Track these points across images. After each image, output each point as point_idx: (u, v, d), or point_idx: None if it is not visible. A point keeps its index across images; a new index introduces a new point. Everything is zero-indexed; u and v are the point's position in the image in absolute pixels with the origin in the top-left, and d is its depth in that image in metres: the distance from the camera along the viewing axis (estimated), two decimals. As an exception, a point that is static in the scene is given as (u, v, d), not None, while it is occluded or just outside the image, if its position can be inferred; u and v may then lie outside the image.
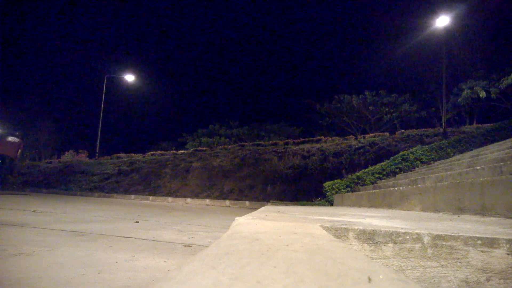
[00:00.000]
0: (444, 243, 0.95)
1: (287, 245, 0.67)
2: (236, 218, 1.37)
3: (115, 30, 56.30)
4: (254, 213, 2.09)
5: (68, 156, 27.68)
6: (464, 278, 0.92)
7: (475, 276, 0.93)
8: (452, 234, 0.95)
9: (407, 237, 0.97)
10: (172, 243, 2.59)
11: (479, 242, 0.95)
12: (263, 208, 3.37)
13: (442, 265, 0.94)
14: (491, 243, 0.94)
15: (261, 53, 58.93)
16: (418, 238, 0.97)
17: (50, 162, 23.81)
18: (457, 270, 0.93)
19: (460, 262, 0.94)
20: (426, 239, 0.96)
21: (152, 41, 58.67)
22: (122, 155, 23.65)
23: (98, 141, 24.51)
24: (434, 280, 0.92)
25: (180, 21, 58.08)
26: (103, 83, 25.57)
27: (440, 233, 0.97)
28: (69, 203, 8.07)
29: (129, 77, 26.84)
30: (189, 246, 2.52)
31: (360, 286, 0.46)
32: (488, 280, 0.92)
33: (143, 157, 22.74)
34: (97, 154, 24.37)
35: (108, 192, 17.50)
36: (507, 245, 0.94)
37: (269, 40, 59.12)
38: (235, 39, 57.17)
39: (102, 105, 25.09)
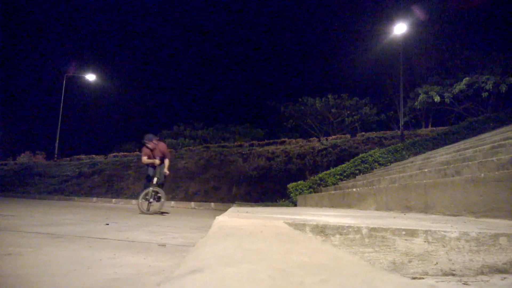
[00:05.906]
0: (377, 234, 1.24)
1: (262, 232, 0.94)
2: (217, 217, 1.61)
3: (76, 28, 54.45)
4: (227, 213, 2.33)
5: (24, 158, 26.47)
6: (392, 260, 1.21)
7: (400, 259, 1.22)
8: (384, 227, 1.24)
9: (350, 229, 1.25)
10: (147, 243, 2.76)
11: (404, 232, 1.24)
12: (231, 209, 3.62)
13: (376, 251, 1.22)
14: (412, 233, 1.24)
15: (226, 55, 59.13)
16: (358, 230, 1.25)
17: (6, 164, 22.77)
18: (387, 254, 1.22)
19: (389, 248, 1.22)
20: (364, 231, 1.24)
21: (115, 40, 57.30)
22: (82, 156, 22.93)
23: (57, 142, 23.62)
24: (370, 262, 1.19)
25: (144, 19, 57.10)
26: (63, 82, 24.73)
27: (375, 226, 1.26)
28: (30, 206, 7.91)
29: (90, 77, 26.09)
30: (164, 245, 2.71)
31: (305, 243, 0.71)
32: (410, 261, 1.21)
33: (105, 158, 22.20)
34: (55, 155, 23.46)
35: (68, 195, 17.01)
36: (424, 235, 1.23)
37: (233, 43, 59.39)
38: (199, 40, 56.97)
39: (61, 105, 24.29)
